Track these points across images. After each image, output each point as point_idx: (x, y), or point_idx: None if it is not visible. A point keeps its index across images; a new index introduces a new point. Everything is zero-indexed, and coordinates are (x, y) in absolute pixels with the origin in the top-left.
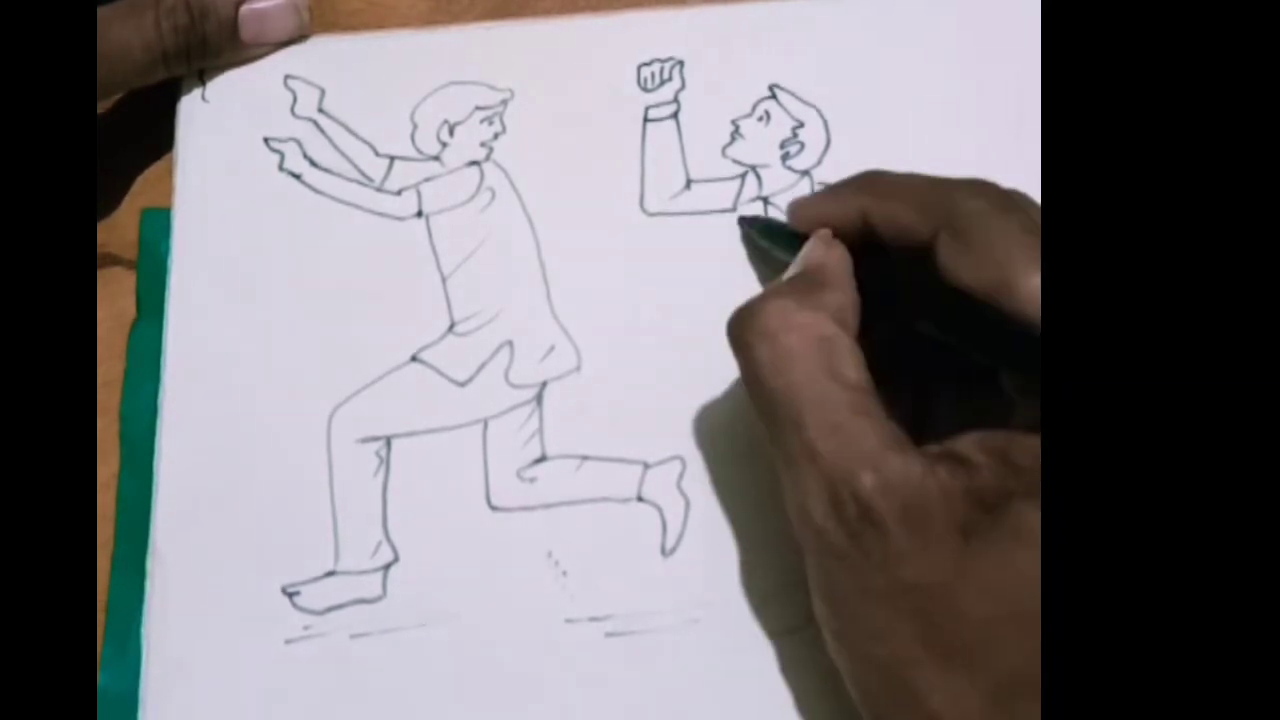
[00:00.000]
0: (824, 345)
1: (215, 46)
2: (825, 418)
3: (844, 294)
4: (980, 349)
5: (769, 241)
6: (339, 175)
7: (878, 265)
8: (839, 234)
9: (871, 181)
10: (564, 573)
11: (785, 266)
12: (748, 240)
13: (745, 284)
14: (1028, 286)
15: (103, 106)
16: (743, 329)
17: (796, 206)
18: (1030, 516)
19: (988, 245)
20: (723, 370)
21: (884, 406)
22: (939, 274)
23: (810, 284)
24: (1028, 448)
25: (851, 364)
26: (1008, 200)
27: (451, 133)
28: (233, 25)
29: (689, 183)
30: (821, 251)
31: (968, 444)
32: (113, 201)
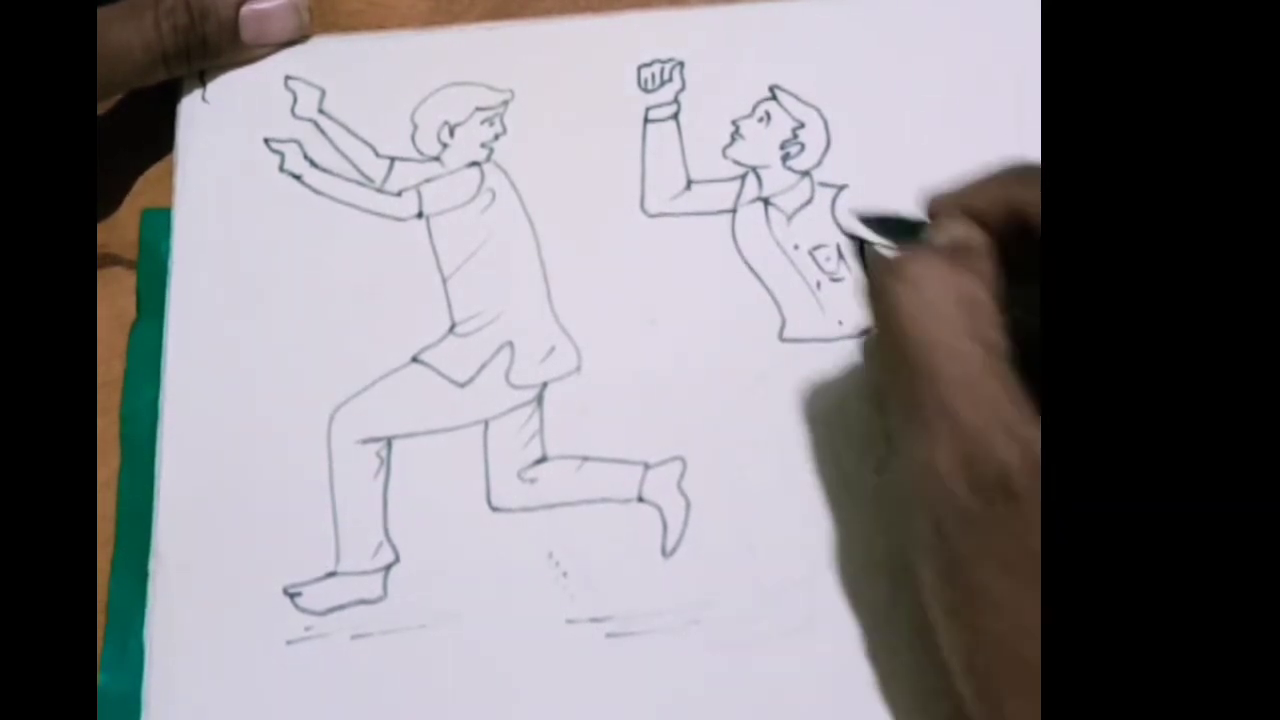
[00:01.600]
0: (970, 303)
1: (215, 47)
2: (964, 375)
3: (990, 266)
4: None
5: (890, 236)
6: (339, 176)
7: (1018, 243)
8: (985, 224)
9: (1016, 170)
10: (564, 573)
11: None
12: (856, 238)
13: (745, 284)
14: None
15: (103, 107)
16: (885, 273)
17: (937, 195)
18: None
19: None
20: (723, 370)
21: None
22: None
23: (960, 250)
24: None
25: (995, 327)
26: None
27: (452, 133)
28: (233, 26)
29: (689, 183)
30: (965, 229)
31: None
32: (113, 202)
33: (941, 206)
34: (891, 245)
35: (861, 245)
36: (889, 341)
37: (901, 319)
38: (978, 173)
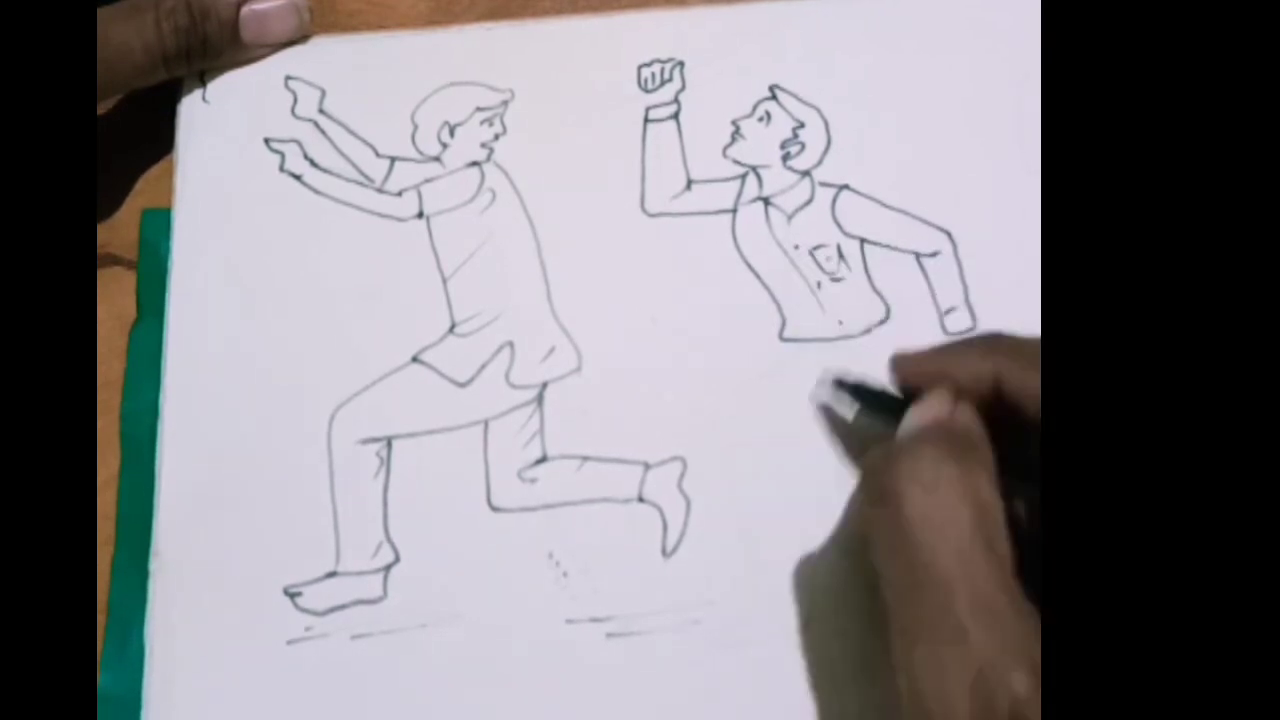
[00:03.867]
0: (981, 511)
1: (216, 47)
2: (979, 595)
3: (991, 456)
4: None
5: (868, 407)
6: (340, 176)
7: (1011, 431)
8: (965, 394)
9: (1009, 344)
10: (565, 573)
11: (873, 439)
12: (826, 412)
13: (745, 284)
14: None
15: (103, 107)
16: (892, 474)
17: (907, 360)
18: None
19: None
20: (723, 370)
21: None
22: None
23: (959, 439)
24: None
25: (1002, 534)
26: None
27: (452, 134)
28: (233, 26)
29: (689, 183)
30: (951, 406)
31: None
32: (113, 202)
33: (921, 379)
34: (881, 418)
35: (836, 406)
36: (892, 549)
37: (911, 527)
38: (950, 343)
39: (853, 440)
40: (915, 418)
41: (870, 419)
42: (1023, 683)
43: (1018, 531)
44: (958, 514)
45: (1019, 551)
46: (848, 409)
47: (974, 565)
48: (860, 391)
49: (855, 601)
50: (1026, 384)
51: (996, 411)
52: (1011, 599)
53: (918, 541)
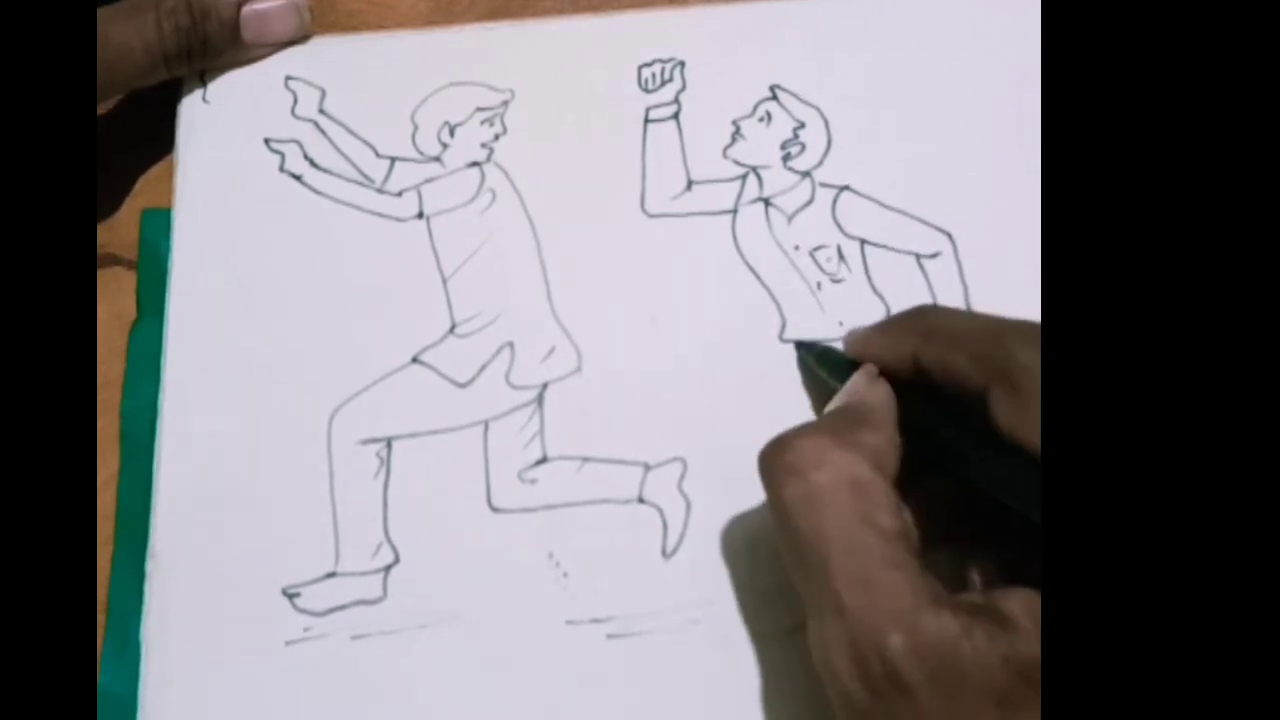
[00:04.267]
0: (858, 488)
1: (216, 47)
2: (855, 568)
3: (883, 435)
4: (1030, 507)
5: (825, 369)
6: (340, 176)
7: (927, 408)
8: (888, 371)
9: (924, 321)
10: (565, 574)
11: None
12: (802, 364)
13: (745, 285)
14: None
15: (103, 107)
16: (772, 464)
17: (851, 337)
18: None
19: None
20: (723, 371)
21: (921, 556)
22: (992, 427)
23: (849, 422)
24: None
25: (886, 510)
26: None
27: (452, 134)
28: (234, 26)
29: (690, 184)
30: (865, 387)
31: (1014, 603)
32: (113, 202)
33: (853, 350)
34: (837, 379)
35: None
36: (782, 530)
37: (789, 511)
38: (884, 321)
39: (824, 396)
40: (837, 398)
41: (836, 381)
42: (895, 644)
43: (921, 495)
44: (833, 495)
45: (920, 513)
46: (820, 371)
47: (849, 540)
48: (824, 356)
49: None
50: (937, 360)
51: (919, 383)
52: (899, 570)
53: (795, 525)
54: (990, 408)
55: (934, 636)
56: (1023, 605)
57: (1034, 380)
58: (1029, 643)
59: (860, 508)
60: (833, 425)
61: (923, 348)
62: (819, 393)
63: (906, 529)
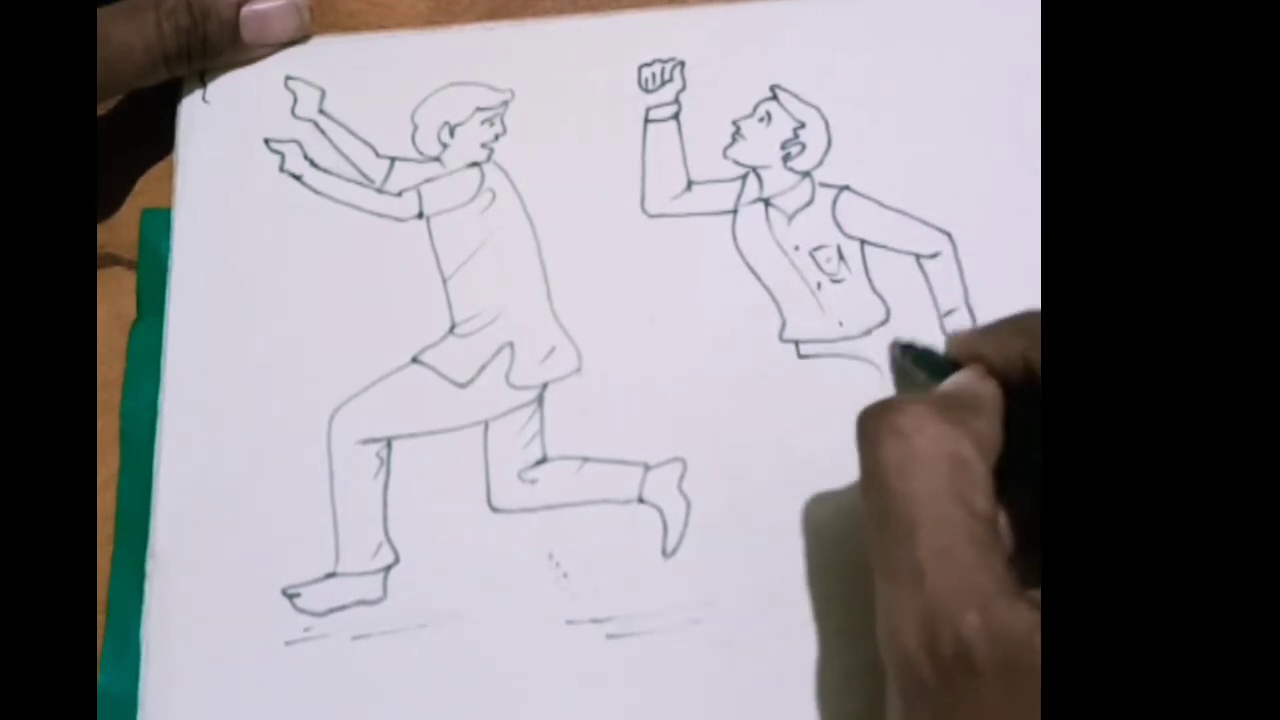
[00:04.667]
0: (958, 464)
1: (216, 47)
2: (941, 539)
3: (989, 423)
4: None
5: (925, 370)
6: (339, 176)
7: (1031, 415)
8: (996, 373)
9: (1039, 323)
10: (565, 574)
11: None
12: (898, 368)
13: (745, 285)
14: None
15: (103, 107)
16: (876, 422)
17: (956, 338)
18: None
19: None
20: (723, 371)
21: (1006, 549)
22: None
23: (958, 404)
24: None
25: (982, 492)
26: None
27: (452, 134)
28: (234, 26)
29: (690, 184)
30: (975, 380)
31: None
32: (113, 202)
33: (959, 351)
34: (936, 380)
35: (895, 361)
36: (872, 491)
37: (886, 472)
38: (993, 323)
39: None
40: (943, 387)
41: (935, 383)
42: (971, 624)
43: (1017, 511)
44: (932, 464)
45: (1018, 530)
46: (913, 372)
47: (940, 512)
48: (919, 356)
49: (855, 603)
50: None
51: (1027, 391)
52: (981, 551)
53: (889, 486)
54: None
55: (1009, 624)
56: None
57: None
58: None
59: (958, 483)
60: (942, 403)
61: (1035, 350)
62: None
63: (995, 515)
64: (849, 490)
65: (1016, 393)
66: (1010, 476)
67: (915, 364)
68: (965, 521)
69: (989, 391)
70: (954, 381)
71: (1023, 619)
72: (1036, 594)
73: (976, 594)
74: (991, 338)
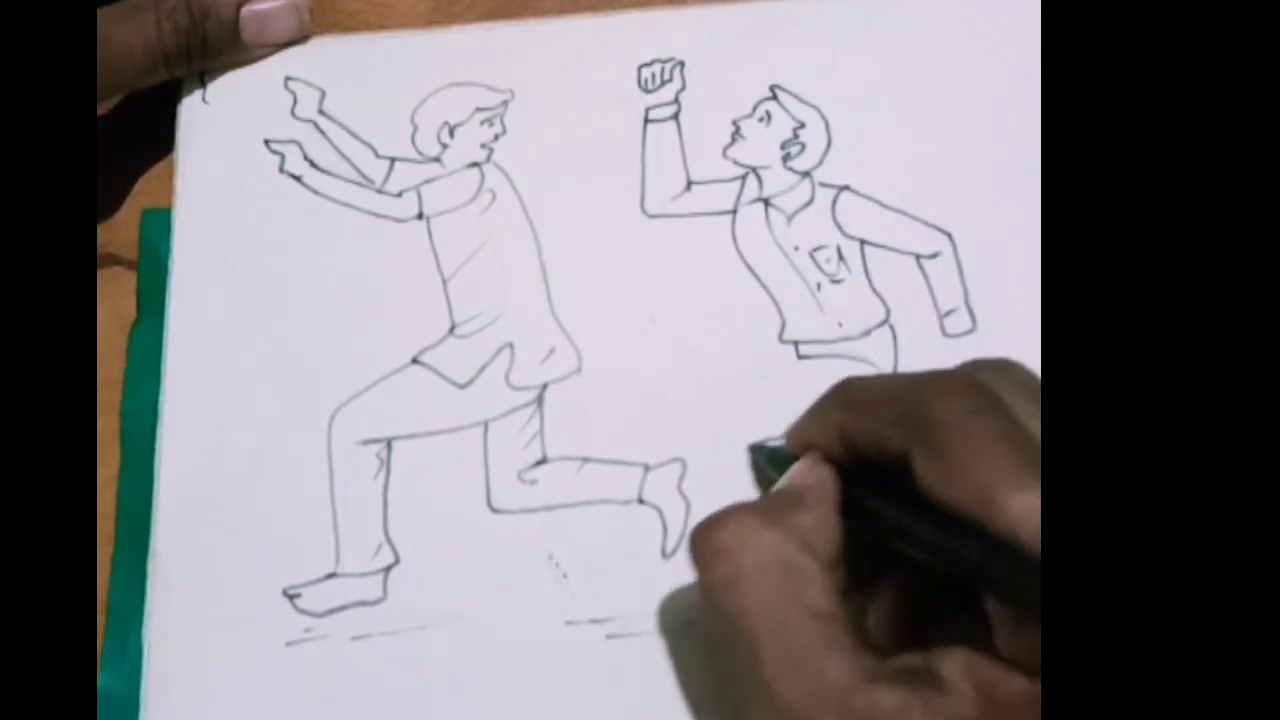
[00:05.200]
0: (785, 569)
1: (216, 47)
2: (785, 650)
3: (816, 516)
4: (963, 567)
5: (775, 470)
6: (339, 177)
7: (861, 484)
8: (829, 456)
9: (847, 393)
10: (565, 575)
11: None
12: (757, 469)
13: (745, 285)
14: (1012, 506)
15: (103, 107)
16: (700, 545)
17: (788, 430)
18: None
19: (963, 459)
20: (723, 372)
21: (862, 625)
22: (921, 491)
23: (781, 504)
24: (1015, 690)
25: (816, 589)
26: (982, 399)
27: (452, 134)
28: (234, 26)
29: (689, 184)
30: (804, 472)
31: (953, 666)
32: (114, 202)
33: (792, 442)
34: (777, 477)
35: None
36: (711, 615)
37: (717, 592)
38: (811, 406)
39: None
40: (776, 486)
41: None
42: None
43: (872, 563)
44: (759, 575)
45: (894, 604)
46: (766, 471)
47: (778, 623)
48: (769, 455)
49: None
50: (859, 431)
51: (853, 463)
52: (833, 649)
53: (723, 607)
54: (915, 471)
55: (868, 713)
56: (960, 667)
57: (951, 432)
58: (967, 710)
59: (789, 589)
60: (761, 507)
61: (845, 421)
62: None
63: (839, 609)
64: None
65: (848, 470)
66: (874, 557)
67: (767, 465)
68: (805, 625)
69: (817, 479)
70: (787, 476)
71: (885, 706)
72: (905, 659)
73: (829, 696)
74: (812, 418)
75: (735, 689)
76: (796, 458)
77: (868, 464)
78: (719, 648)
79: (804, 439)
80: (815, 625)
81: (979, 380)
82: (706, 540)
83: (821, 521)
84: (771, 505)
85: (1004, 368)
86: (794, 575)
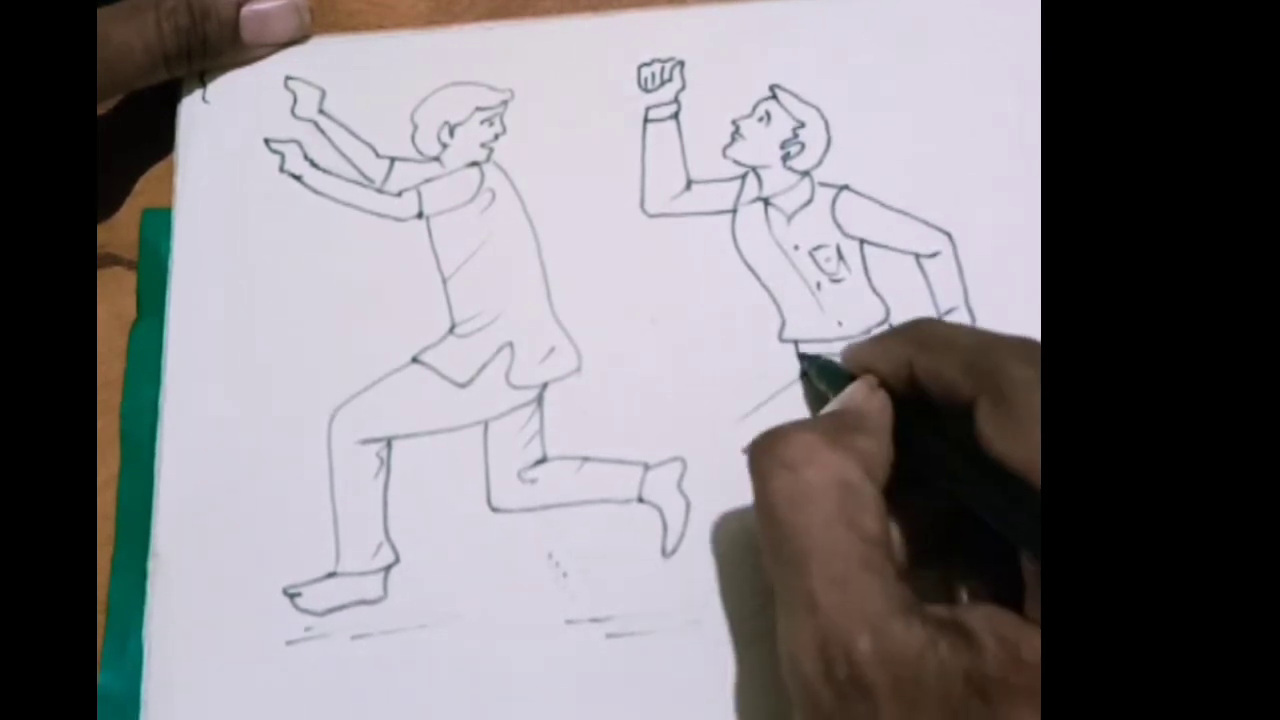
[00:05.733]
0: (845, 490)
1: (216, 47)
2: (832, 567)
3: (876, 442)
4: (1005, 524)
5: (826, 383)
6: (339, 176)
7: (920, 420)
8: (886, 383)
9: (921, 331)
10: (565, 574)
11: None
12: (805, 377)
13: (745, 285)
14: None
15: (104, 107)
16: (762, 455)
17: (849, 350)
18: None
19: (1028, 420)
20: (723, 371)
21: (900, 565)
22: (978, 441)
23: (843, 425)
24: (1037, 645)
25: (871, 515)
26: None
27: (452, 134)
28: (234, 26)
29: (689, 183)
30: (863, 395)
31: (979, 619)
32: (114, 202)
33: (851, 363)
34: (828, 390)
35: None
36: (765, 523)
37: (774, 504)
38: (880, 333)
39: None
40: (831, 405)
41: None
42: (863, 647)
43: (913, 511)
44: (820, 493)
45: (911, 529)
46: (820, 385)
47: (831, 540)
48: (821, 369)
49: None
50: (929, 369)
51: (917, 397)
52: (875, 575)
53: (779, 518)
54: (976, 420)
55: (900, 644)
56: (987, 622)
57: (1023, 393)
58: (989, 660)
59: (846, 509)
60: (827, 425)
61: (917, 357)
62: (819, 406)
63: (889, 537)
64: None
65: (904, 402)
66: (906, 486)
67: (818, 377)
68: (856, 547)
69: (877, 405)
70: (843, 397)
71: (914, 637)
72: (934, 609)
73: (868, 618)
74: (879, 346)
75: (777, 594)
76: (848, 376)
77: (924, 401)
78: (766, 553)
79: (865, 362)
80: (864, 548)
81: None
82: (771, 451)
83: (880, 448)
84: (834, 425)
85: None
86: (852, 496)
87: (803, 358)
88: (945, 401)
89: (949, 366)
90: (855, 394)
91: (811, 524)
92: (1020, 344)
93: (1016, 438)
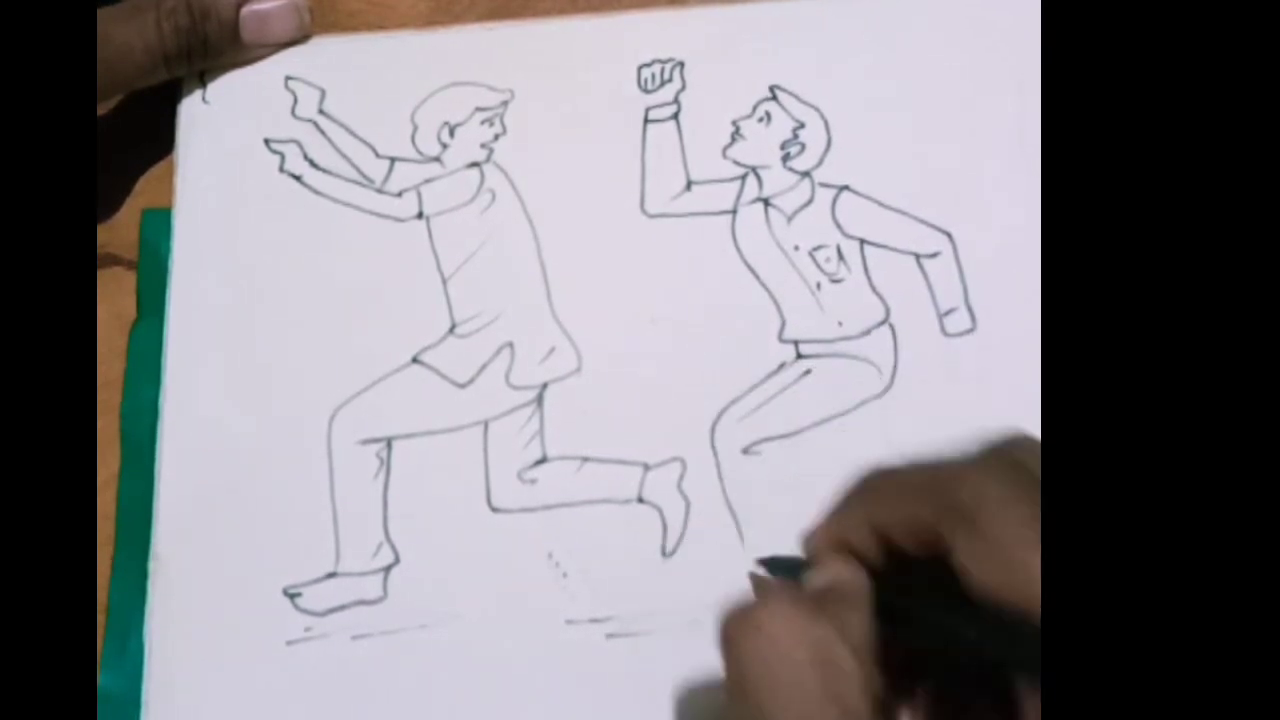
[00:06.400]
0: (827, 664)
1: (216, 47)
2: None
3: (861, 616)
4: (1004, 659)
5: (782, 576)
6: (340, 176)
7: (900, 581)
8: (857, 553)
9: (869, 487)
10: (565, 574)
11: None
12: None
13: (745, 285)
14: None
15: (104, 107)
16: (736, 623)
17: (806, 535)
18: None
19: (1013, 546)
20: (723, 372)
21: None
22: (960, 576)
23: (830, 597)
24: None
25: (858, 693)
26: (1028, 480)
27: (452, 134)
28: (234, 26)
29: (689, 184)
30: (840, 569)
31: None
32: (114, 202)
33: (818, 542)
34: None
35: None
36: (738, 698)
37: (751, 677)
38: (836, 502)
39: None
40: (813, 580)
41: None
42: None
43: (905, 666)
44: (797, 667)
45: (893, 689)
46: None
47: (813, 718)
48: (776, 564)
49: None
50: (888, 524)
51: (892, 559)
52: None
53: (754, 692)
54: (956, 560)
55: None
56: None
57: (998, 518)
58: None
59: (827, 684)
60: (806, 599)
61: (878, 512)
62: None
63: (872, 714)
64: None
65: (879, 567)
66: (907, 663)
67: (788, 576)
68: None
69: (853, 577)
70: (822, 576)
71: None
72: None
73: None
74: (834, 520)
75: None
76: (806, 563)
77: (898, 563)
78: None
79: (832, 537)
80: None
81: (1021, 461)
82: (747, 621)
83: (864, 621)
84: (815, 598)
85: (1033, 444)
86: (834, 670)
87: (765, 563)
88: (919, 552)
89: (913, 511)
90: (832, 570)
91: (793, 702)
92: (980, 461)
93: (1002, 566)
